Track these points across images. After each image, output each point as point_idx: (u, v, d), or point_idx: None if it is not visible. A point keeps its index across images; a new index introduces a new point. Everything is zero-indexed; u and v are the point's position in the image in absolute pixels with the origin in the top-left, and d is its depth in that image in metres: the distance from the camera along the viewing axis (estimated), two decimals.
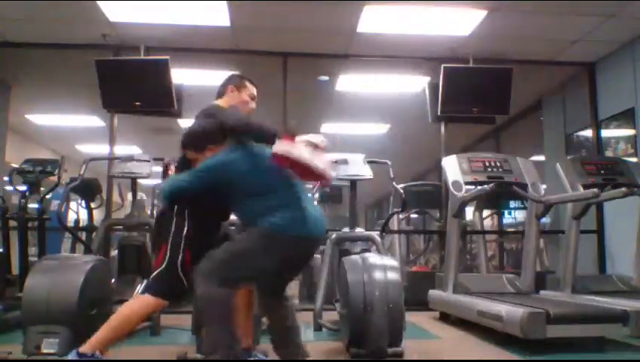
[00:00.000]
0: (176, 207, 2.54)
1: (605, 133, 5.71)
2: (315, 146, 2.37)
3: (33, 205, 4.60)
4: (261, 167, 2.43)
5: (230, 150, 2.52)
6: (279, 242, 2.38)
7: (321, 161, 2.36)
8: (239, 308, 2.62)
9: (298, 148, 2.34)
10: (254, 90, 2.87)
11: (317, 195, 4.56)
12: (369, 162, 4.30)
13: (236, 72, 3.04)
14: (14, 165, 4.96)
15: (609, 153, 5.58)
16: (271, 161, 2.37)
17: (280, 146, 2.33)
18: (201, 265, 2.40)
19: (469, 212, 6.40)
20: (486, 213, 6.93)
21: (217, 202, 2.55)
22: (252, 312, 2.71)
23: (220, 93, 2.84)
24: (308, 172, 2.36)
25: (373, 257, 3.38)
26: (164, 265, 2.46)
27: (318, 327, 4.06)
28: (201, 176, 2.48)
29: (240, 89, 2.82)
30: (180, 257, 2.47)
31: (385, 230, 4.71)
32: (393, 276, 3.13)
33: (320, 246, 2.66)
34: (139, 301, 2.55)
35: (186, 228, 2.50)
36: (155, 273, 2.49)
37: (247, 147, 2.50)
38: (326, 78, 6.42)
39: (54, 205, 5.48)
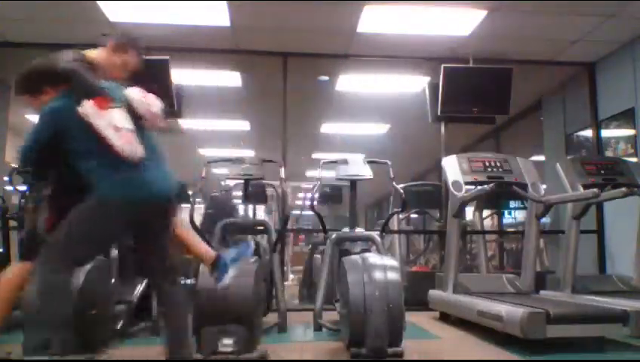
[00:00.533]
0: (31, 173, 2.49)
1: (605, 133, 5.71)
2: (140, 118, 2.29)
3: None
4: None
5: (63, 95, 2.34)
6: (110, 210, 2.25)
7: (121, 139, 2.20)
8: None
9: (105, 116, 2.20)
10: (135, 61, 2.62)
11: (317, 195, 4.55)
12: (369, 162, 4.30)
13: (131, 35, 2.71)
14: (14, 165, 4.96)
15: (609, 153, 5.58)
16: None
17: (86, 108, 2.20)
18: (40, 251, 2.30)
19: (469, 212, 6.40)
20: (486, 213, 6.92)
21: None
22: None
23: (100, 43, 2.60)
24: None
25: (373, 257, 3.38)
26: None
27: (318, 327, 4.06)
28: (38, 128, 2.33)
29: (118, 49, 2.58)
30: (42, 218, 2.45)
31: (385, 230, 4.70)
32: (393, 276, 3.13)
33: (165, 207, 2.48)
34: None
35: (44, 189, 2.45)
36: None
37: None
38: (326, 78, 6.42)
39: None
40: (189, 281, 5.63)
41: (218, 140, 8.98)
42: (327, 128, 8.48)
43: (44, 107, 2.36)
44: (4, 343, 3.26)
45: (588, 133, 5.98)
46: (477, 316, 3.81)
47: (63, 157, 2.34)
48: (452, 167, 4.49)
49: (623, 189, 4.17)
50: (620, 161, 4.82)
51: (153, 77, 5.19)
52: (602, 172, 4.55)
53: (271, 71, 5.72)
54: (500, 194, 5.80)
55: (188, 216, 4.07)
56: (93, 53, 2.55)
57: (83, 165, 2.30)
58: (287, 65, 5.69)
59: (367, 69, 6.11)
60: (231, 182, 5.87)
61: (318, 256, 6.12)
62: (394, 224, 6.62)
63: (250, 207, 5.41)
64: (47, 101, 2.38)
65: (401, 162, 6.96)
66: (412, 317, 4.29)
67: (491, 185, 4.28)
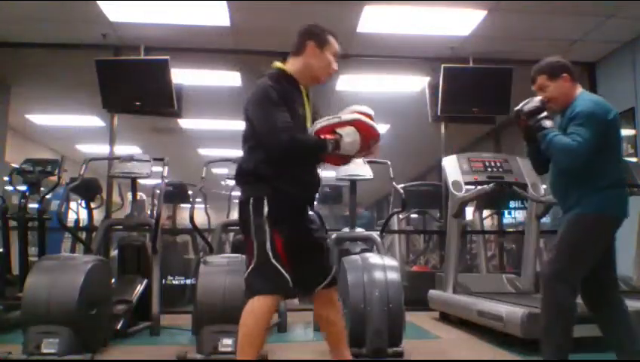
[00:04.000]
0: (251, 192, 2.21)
1: None
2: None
3: (33, 205, 4.60)
4: None
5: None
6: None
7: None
8: (325, 322, 2.39)
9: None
10: (338, 46, 2.32)
11: (317, 195, 4.54)
12: (369, 162, 4.30)
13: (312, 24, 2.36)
14: (14, 165, 4.96)
15: None
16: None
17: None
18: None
19: (469, 212, 6.40)
20: (486, 213, 6.92)
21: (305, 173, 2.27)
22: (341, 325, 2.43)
23: (297, 50, 2.28)
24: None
25: (373, 257, 3.38)
26: (254, 260, 2.16)
27: (318, 327, 4.05)
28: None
29: (323, 46, 2.26)
30: (270, 244, 2.12)
31: (385, 230, 4.71)
32: (393, 276, 3.13)
33: None
34: (249, 307, 2.18)
35: (266, 209, 2.13)
36: (246, 273, 2.21)
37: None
38: None
39: (54, 205, 5.48)
40: (189, 281, 5.66)
41: (218, 140, 8.97)
42: None
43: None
44: (4, 343, 3.27)
45: None
46: (477, 316, 3.81)
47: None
48: (452, 167, 4.49)
49: None
50: None
51: (153, 77, 5.22)
52: None
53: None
54: (500, 194, 5.80)
55: (188, 215, 4.07)
56: (296, 65, 2.30)
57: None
58: None
59: (367, 69, 6.10)
60: (231, 182, 5.86)
61: None
62: (394, 224, 6.62)
63: None
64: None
65: (401, 162, 6.96)
66: (412, 317, 4.29)
67: (491, 185, 4.28)
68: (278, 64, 2.31)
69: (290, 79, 2.27)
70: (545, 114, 2.46)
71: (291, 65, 2.30)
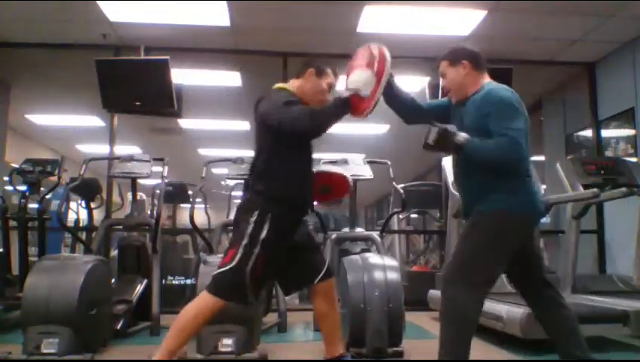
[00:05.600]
0: (256, 206, 2.31)
1: (605, 133, 5.71)
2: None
3: (33, 205, 4.60)
4: None
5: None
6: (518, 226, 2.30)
7: None
8: (322, 314, 2.52)
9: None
10: (334, 80, 2.59)
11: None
12: (369, 162, 4.30)
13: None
14: (14, 165, 4.97)
15: (609, 153, 5.58)
16: None
17: None
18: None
19: None
20: None
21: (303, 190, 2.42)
22: (336, 317, 2.55)
23: (298, 74, 2.59)
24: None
25: (373, 257, 3.38)
26: (231, 265, 2.27)
27: (318, 327, 4.05)
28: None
29: (321, 75, 2.55)
30: (252, 263, 2.26)
31: (385, 230, 4.70)
32: (393, 276, 3.13)
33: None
34: (201, 299, 2.36)
35: (265, 232, 2.27)
36: (219, 271, 2.31)
37: None
38: None
39: (54, 205, 5.48)
40: (189, 281, 5.66)
41: (218, 140, 8.98)
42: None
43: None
44: (4, 343, 3.27)
45: (588, 133, 5.98)
46: None
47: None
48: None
49: (623, 189, 4.17)
50: (620, 161, 4.81)
51: (153, 77, 5.22)
52: (602, 172, 4.54)
53: (271, 71, 5.71)
54: None
55: (188, 215, 4.07)
56: (295, 85, 2.61)
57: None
58: (287, 66, 5.69)
59: None
60: (231, 182, 5.87)
61: None
62: (394, 224, 6.62)
63: None
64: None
65: (401, 162, 6.96)
66: (412, 317, 4.29)
67: None
68: (279, 85, 2.59)
69: (293, 96, 2.49)
70: (453, 130, 2.21)
71: (290, 85, 2.57)
